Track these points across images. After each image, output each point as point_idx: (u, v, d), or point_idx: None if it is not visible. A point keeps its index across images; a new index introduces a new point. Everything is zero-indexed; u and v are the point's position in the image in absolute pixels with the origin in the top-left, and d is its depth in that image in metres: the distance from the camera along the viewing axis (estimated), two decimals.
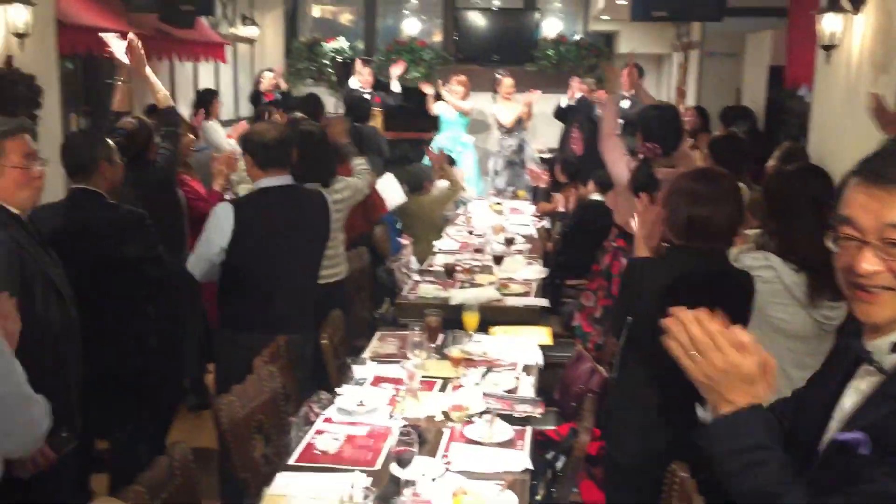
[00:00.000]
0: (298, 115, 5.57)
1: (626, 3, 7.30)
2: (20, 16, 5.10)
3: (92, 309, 3.09)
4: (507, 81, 9.00)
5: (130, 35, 4.37)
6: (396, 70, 9.24)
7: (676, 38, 9.37)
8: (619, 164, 4.06)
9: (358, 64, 9.12)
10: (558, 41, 10.79)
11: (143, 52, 4.33)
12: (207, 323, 4.74)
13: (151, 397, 3.74)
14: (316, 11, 12.08)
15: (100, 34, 4.52)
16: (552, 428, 3.50)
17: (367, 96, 8.64)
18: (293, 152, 3.68)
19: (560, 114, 9.00)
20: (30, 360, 2.13)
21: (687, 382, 1.43)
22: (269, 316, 3.56)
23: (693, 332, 1.38)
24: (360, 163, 4.84)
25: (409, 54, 10.88)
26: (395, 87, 9.11)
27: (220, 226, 3.42)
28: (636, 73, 8.26)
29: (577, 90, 8.80)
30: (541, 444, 3.21)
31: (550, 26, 11.24)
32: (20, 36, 5.15)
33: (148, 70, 4.36)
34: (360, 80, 8.90)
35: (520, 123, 9.04)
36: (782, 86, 6.58)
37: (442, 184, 6.79)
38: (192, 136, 5.52)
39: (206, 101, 7.89)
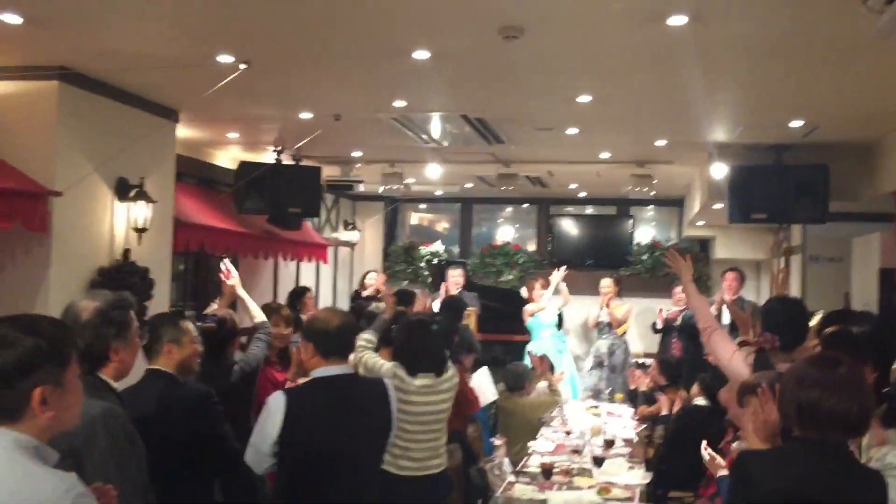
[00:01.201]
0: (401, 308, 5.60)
1: (723, 206, 7.32)
2: (141, 212, 5.43)
3: (161, 487, 3.00)
4: (603, 282, 8.98)
5: (225, 263, 4.68)
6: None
7: (776, 244, 9.26)
8: (734, 356, 3.83)
9: (450, 268, 9.18)
10: (652, 246, 10.82)
11: (237, 276, 4.66)
12: None
13: None
14: (414, 219, 12.60)
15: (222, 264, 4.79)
16: None
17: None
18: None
19: (657, 330, 8.87)
20: None
21: None
22: None
23: None
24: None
25: (503, 257, 11.07)
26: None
27: (272, 415, 3.29)
28: (739, 278, 8.19)
29: (682, 300, 8.66)
30: None
31: (645, 233, 11.37)
32: (139, 231, 5.46)
33: (241, 291, 4.62)
34: (451, 283, 8.94)
35: (610, 327, 8.91)
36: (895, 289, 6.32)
37: (541, 386, 6.67)
38: (289, 330, 5.53)
39: (297, 296, 8.08)
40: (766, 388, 2.79)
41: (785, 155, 6.74)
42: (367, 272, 9.47)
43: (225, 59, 4.59)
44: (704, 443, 3.76)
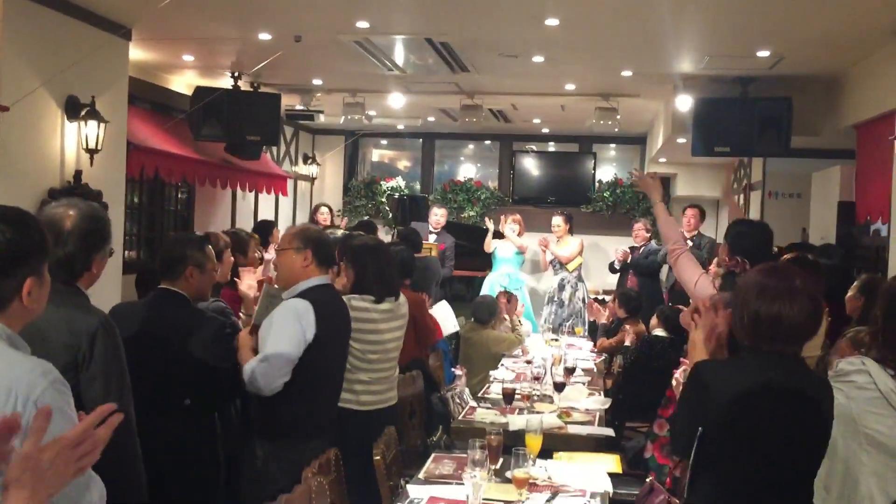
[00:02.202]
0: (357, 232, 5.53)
1: (686, 140, 7.31)
2: (93, 132, 5.24)
3: (161, 411, 2.96)
4: (554, 220, 8.98)
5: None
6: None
7: (735, 181, 9.33)
8: (700, 279, 3.81)
9: (434, 207, 9.09)
10: (614, 184, 10.84)
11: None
12: None
13: None
14: (375, 156, 12.43)
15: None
16: None
17: (434, 236, 8.64)
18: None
19: (614, 269, 8.92)
20: None
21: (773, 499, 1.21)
22: (317, 421, 3.39)
23: None
24: None
25: (465, 194, 11.02)
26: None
27: (303, 317, 3.25)
28: (699, 216, 8.23)
29: (641, 237, 8.69)
30: None
31: (607, 171, 11.37)
32: (91, 152, 5.27)
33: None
34: (433, 222, 8.86)
35: (560, 264, 8.95)
36: (853, 222, 6.39)
37: (505, 325, 6.74)
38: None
39: (265, 230, 7.94)
40: (719, 299, 2.78)
41: (750, 88, 6.73)
42: (318, 205, 9.33)
43: None
44: (678, 371, 3.77)
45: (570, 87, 7.63)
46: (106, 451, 1.97)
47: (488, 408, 4.76)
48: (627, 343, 6.59)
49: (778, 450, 2.35)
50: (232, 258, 4.20)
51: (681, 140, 7.72)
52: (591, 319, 8.10)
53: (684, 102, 6.93)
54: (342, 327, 3.52)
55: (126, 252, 6.56)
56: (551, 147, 11.71)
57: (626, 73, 6.90)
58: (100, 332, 2.49)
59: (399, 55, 6.59)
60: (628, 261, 8.56)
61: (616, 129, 8.52)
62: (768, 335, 2.35)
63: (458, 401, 5.49)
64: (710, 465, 2.42)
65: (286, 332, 3.23)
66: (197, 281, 3.29)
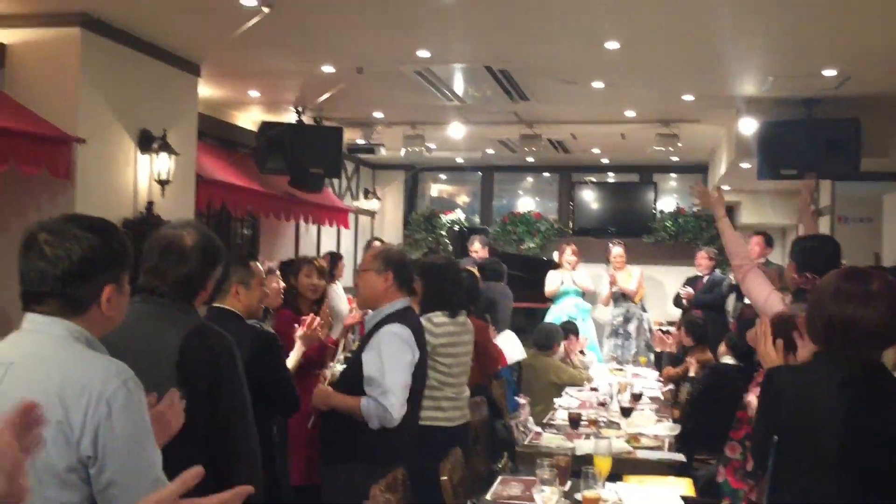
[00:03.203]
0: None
1: (751, 166, 7.19)
2: (164, 165, 5.40)
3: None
4: (615, 251, 8.88)
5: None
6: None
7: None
8: (770, 296, 3.70)
9: (475, 241, 8.95)
10: (676, 213, 10.70)
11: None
12: None
13: None
14: (434, 191, 12.53)
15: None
16: None
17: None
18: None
19: (681, 305, 8.74)
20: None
21: None
22: (397, 444, 3.38)
23: None
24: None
25: (524, 225, 11.00)
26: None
27: (407, 343, 3.33)
28: (763, 243, 8.05)
29: (705, 266, 8.54)
30: None
31: (668, 202, 11.25)
32: (162, 183, 5.43)
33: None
34: (475, 255, 8.79)
35: (624, 296, 8.83)
36: None
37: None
38: (322, 282, 5.38)
39: (331, 263, 8.03)
40: (803, 319, 2.70)
41: (816, 109, 6.60)
42: (371, 240, 9.36)
43: (248, 1, 4.52)
44: (749, 393, 3.67)
45: (629, 113, 7.60)
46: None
47: (554, 433, 4.69)
48: (692, 373, 6.45)
49: (852, 452, 2.26)
50: (277, 284, 4.27)
51: (745, 165, 7.59)
52: (659, 350, 7.96)
53: (748, 126, 6.83)
54: (425, 350, 3.54)
55: None
56: (611, 178, 11.65)
57: (688, 98, 6.85)
58: (235, 347, 2.52)
59: (458, 85, 6.66)
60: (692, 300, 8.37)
61: (676, 158, 8.43)
62: (842, 339, 2.28)
63: (521, 428, 5.42)
64: (787, 475, 2.34)
65: (401, 360, 3.30)
66: (245, 297, 3.33)
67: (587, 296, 9.10)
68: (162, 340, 2.40)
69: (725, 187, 9.41)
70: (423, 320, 4.01)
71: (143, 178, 5.39)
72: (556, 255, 9.23)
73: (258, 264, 3.51)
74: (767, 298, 3.73)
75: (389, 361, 3.26)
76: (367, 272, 3.47)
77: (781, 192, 9.50)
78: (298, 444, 4.00)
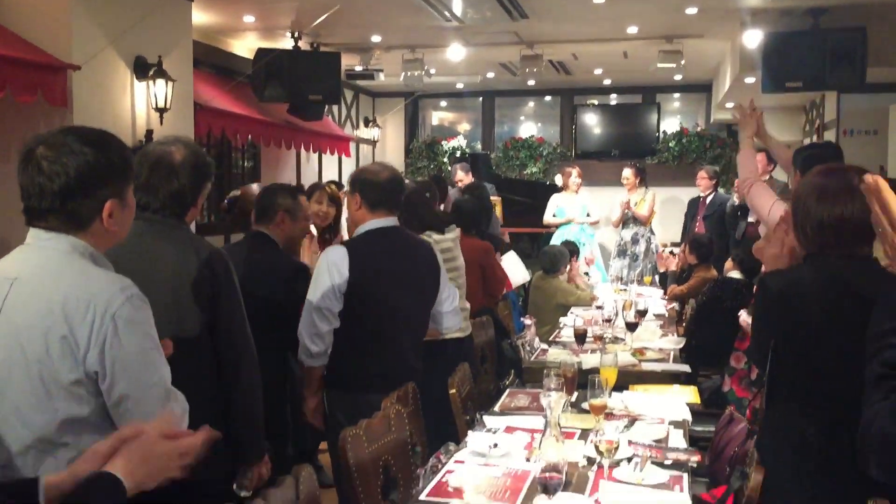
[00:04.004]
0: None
1: (755, 80, 7.09)
2: (161, 91, 5.33)
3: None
4: (624, 172, 8.82)
5: None
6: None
7: (807, 122, 9.03)
8: (774, 206, 3.68)
9: (457, 169, 8.87)
10: (679, 133, 10.61)
11: None
12: None
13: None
14: (434, 119, 12.41)
15: None
16: (706, 492, 3.09)
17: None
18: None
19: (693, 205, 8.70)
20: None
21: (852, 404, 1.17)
22: (392, 370, 3.25)
23: None
24: None
25: (527, 150, 10.93)
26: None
27: (335, 265, 3.17)
28: (766, 160, 7.98)
29: (705, 185, 8.49)
30: None
31: (671, 122, 11.13)
32: (160, 111, 5.37)
33: None
34: (460, 184, 8.71)
35: (635, 219, 8.80)
36: None
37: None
38: (333, 209, 5.31)
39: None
40: (788, 214, 2.69)
41: (821, 19, 6.47)
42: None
43: None
44: (743, 312, 3.69)
45: (632, 30, 7.46)
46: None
47: (560, 349, 4.73)
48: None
49: (850, 352, 2.27)
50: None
51: (749, 80, 7.48)
52: (662, 270, 7.97)
53: (752, 38, 6.70)
54: (399, 267, 3.32)
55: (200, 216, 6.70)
56: (613, 99, 11.51)
57: (691, 11, 6.70)
58: (230, 262, 2.53)
59: (457, 4, 6.52)
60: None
61: (679, 77, 8.31)
62: (834, 240, 2.26)
63: (528, 348, 5.48)
64: (785, 376, 2.36)
65: (315, 283, 3.20)
66: (288, 227, 3.38)
67: (590, 215, 9.07)
68: (159, 257, 2.40)
69: (729, 104, 9.29)
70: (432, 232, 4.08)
71: (140, 105, 5.34)
72: (558, 179, 9.16)
73: (305, 199, 3.52)
74: (771, 208, 3.71)
75: (311, 287, 3.20)
76: (347, 194, 3.49)
77: (787, 108, 9.41)
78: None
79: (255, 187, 4.39)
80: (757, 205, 3.77)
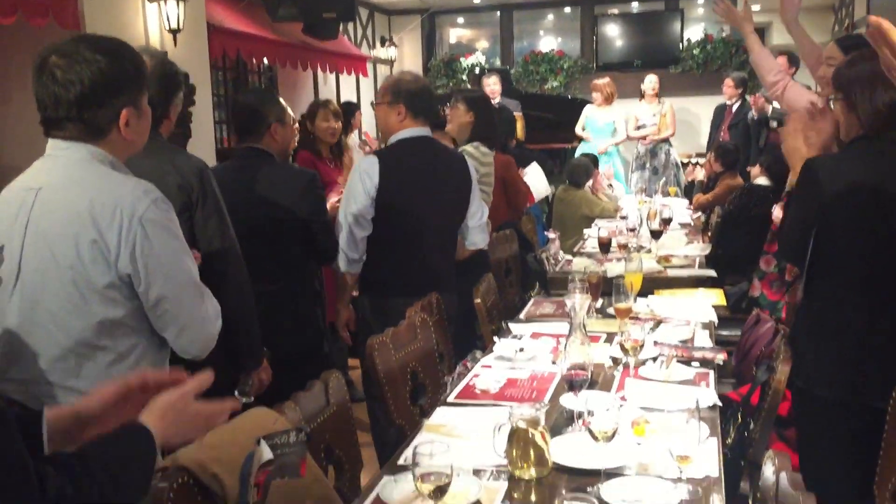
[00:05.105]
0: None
1: None
2: (173, 12, 5.25)
3: (257, 270, 2.97)
4: (649, 79, 8.65)
5: None
6: None
7: (836, 23, 8.75)
8: (805, 94, 3.54)
9: (484, 77, 8.75)
10: (704, 41, 10.32)
11: None
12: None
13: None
14: (452, 37, 12.16)
15: None
16: (732, 391, 3.11)
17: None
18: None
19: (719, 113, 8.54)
20: None
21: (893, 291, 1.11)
22: (419, 277, 3.31)
23: None
24: None
25: (547, 64, 10.72)
26: None
27: (368, 175, 3.19)
28: (787, 63, 7.76)
29: (730, 94, 8.30)
30: (721, 410, 2.82)
31: (695, 30, 10.82)
32: (174, 32, 5.30)
33: None
34: (487, 92, 8.59)
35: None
36: None
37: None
38: (339, 124, 5.29)
39: (348, 113, 7.92)
40: (822, 100, 2.62)
41: None
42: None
43: None
44: (776, 207, 3.61)
45: None
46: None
47: (585, 259, 4.72)
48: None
49: (894, 235, 2.24)
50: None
51: None
52: (689, 180, 7.88)
53: None
54: (430, 176, 3.34)
55: (219, 139, 6.67)
56: (635, 8, 11.19)
57: None
58: (206, 170, 2.54)
59: None
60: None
61: None
62: (889, 123, 2.22)
63: (552, 261, 5.48)
64: (828, 263, 2.33)
65: (349, 192, 3.24)
66: (281, 136, 3.23)
67: (618, 132, 8.93)
68: (135, 168, 2.40)
69: (755, 6, 9.00)
70: (469, 148, 4.03)
71: (153, 27, 5.27)
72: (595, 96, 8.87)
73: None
74: (801, 95, 3.59)
75: (344, 197, 3.26)
76: (380, 105, 3.39)
77: (814, 9, 9.09)
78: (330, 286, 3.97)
79: None
80: (794, 102, 3.56)
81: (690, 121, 9.80)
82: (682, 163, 8.94)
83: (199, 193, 2.48)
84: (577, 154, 8.60)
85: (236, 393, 2.61)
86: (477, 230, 3.58)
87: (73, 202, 1.85)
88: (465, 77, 10.84)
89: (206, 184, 2.49)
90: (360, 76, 9.11)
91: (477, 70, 10.78)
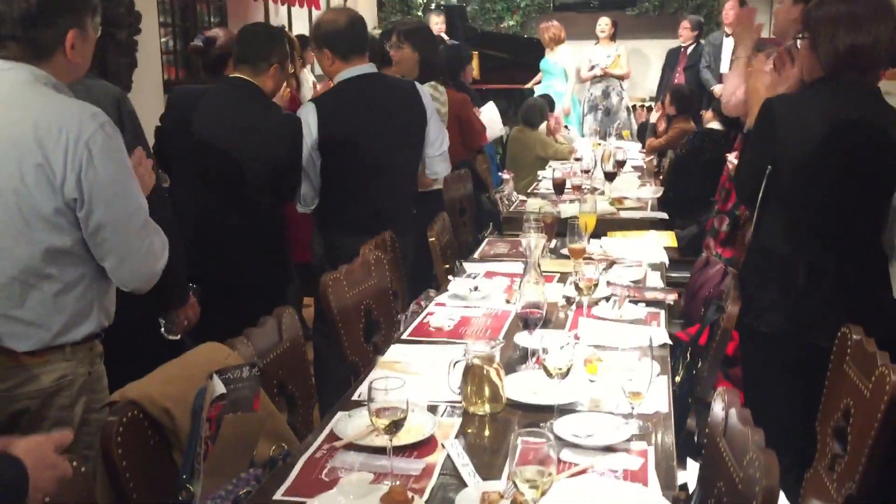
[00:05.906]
0: None
1: None
2: None
3: (223, 203, 2.95)
4: (602, 20, 8.59)
5: None
6: None
7: None
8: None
9: (431, 15, 8.58)
10: None
11: None
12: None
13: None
14: None
15: None
16: (681, 331, 3.16)
17: None
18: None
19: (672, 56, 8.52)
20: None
21: (840, 231, 1.13)
22: (372, 214, 3.28)
23: None
24: None
25: (503, 2, 10.56)
26: None
27: (307, 125, 3.13)
28: (738, 5, 7.74)
29: (686, 36, 8.29)
30: (670, 349, 2.87)
31: None
32: None
33: None
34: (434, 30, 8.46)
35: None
36: None
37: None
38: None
39: (301, 47, 7.73)
40: (783, 49, 2.64)
41: None
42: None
43: None
44: (732, 154, 3.62)
45: None
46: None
47: (539, 200, 4.73)
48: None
49: (848, 181, 2.27)
50: None
51: None
52: (641, 122, 7.91)
53: None
54: (375, 113, 3.26)
55: (165, 72, 6.44)
56: None
57: None
58: (123, 99, 2.45)
59: None
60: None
61: None
62: (850, 66, 2.23)
63: (506, 202, 5.48)
64: (779, 203, 2.36)
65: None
66: (277, 81, 3.12)
67: (569, 77, 8.87)
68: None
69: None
70: (428, 88, 3.92)
71: None
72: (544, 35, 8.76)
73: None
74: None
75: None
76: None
77: None
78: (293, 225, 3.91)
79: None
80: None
81: (643, 64, 9.77)
82: (631, 106, 8.95)
83: (117, 121, 2.39)
84: (535, 95, 8.55)
85: (162, 330, 2.57)
86: (438, 159, 3.53)
87: (15, 124, 1.78)
88: (420, 13, 10.63)
89: (125, 113, 2.39)
90: (313, 9, 8.86)
91: (433, 6, 10.59)
